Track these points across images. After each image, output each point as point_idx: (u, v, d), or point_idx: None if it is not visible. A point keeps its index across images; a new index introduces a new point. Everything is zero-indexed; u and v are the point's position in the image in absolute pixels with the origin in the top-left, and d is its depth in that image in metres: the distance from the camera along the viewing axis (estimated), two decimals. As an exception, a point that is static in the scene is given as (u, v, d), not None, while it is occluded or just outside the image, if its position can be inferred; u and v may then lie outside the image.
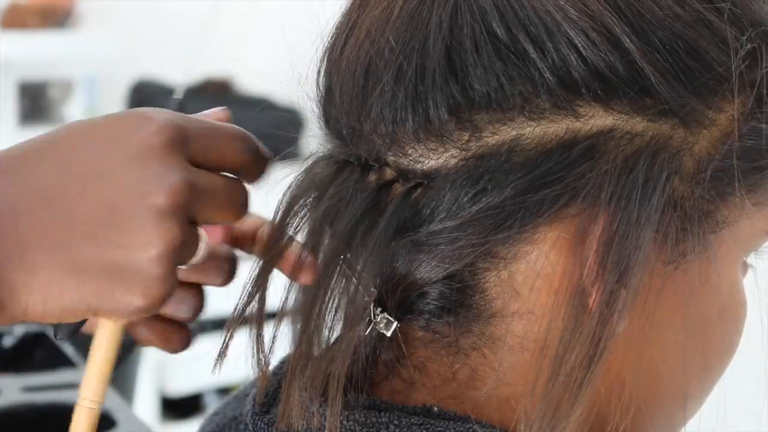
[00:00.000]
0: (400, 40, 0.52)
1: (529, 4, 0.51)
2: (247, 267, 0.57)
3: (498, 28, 0.50)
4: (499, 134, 0.51)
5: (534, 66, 0.50)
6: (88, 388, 0.55)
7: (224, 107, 0.58)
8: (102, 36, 2.85)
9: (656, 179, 0.50)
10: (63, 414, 1.03)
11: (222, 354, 0.56)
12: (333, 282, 0.53)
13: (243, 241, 0.59)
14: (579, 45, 0.50)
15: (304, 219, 0.56)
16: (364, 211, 0.53)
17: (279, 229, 0.56)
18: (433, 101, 0.51)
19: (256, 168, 0.55)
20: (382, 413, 0.53)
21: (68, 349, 1.17)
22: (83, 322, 0.56)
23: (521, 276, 0.52)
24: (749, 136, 0.53)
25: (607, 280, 0.50)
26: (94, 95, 2.88)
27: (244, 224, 0.59)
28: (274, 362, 0.58)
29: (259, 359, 0.56)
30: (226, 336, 0.56)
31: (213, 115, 0.57)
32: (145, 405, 2.41)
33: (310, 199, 0.56)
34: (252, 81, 2.75)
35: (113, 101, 2.83)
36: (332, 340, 0.55)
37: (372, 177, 0.54)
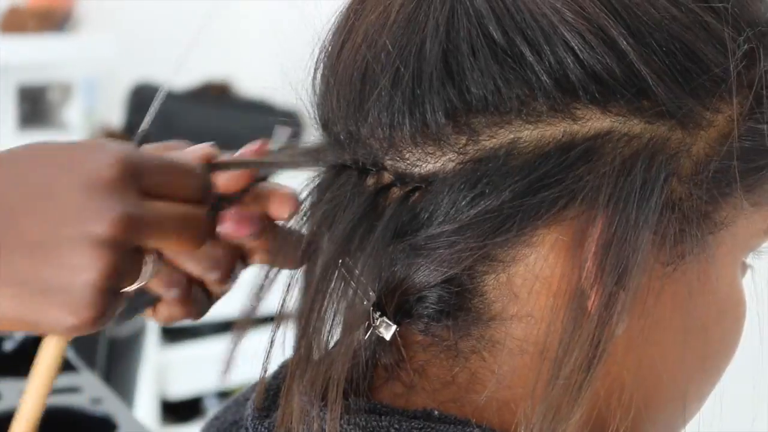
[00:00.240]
0: (397, 44, 0.52)
1: (525, 7, 0.51)
2: (253, 271, 0.58)
3: (495, 32, 0.50)
4: (496, 138, 0.51)
5: (531, 69, 0.50)
6: (26, 404, 0.58)
7: (211, 143, 0.60)
8: (101, 39, 2.85)
9: (654, 181, 0.50)
10: (63, 418, 1.03)
11: (231, 358, 0.57)
12: (332, 286, 0.54)
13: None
14: (576, 47, 0.50)
15: (303, 223, 0.57)
16: (362, 215, 0.53)
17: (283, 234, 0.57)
18: (431, 105, 0.51)
19: (207, 204, 0.57)
20: (383, 417, 0.53)
21: (68, 354, 1.17)
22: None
23: (520, 279, 0.52)
24: (747, 136, 0.53)
25: (606, 283, 0.50)
26: (94, 98, 2.88)
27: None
28: (274, 366, 0.58)
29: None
30: (235, 340, 0.57)
31: (202, 151, 0.59)
32: (145, 408, 2.41)
33: (309, 203, 0.56)
34: (251, 85, 2.75)
35: (113, 104, 2.83)
36: (332, 344, 0.55)
37: (370, 181, 0.54)
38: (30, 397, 0.58)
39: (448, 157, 0.51)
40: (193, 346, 2.49)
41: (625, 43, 0.50)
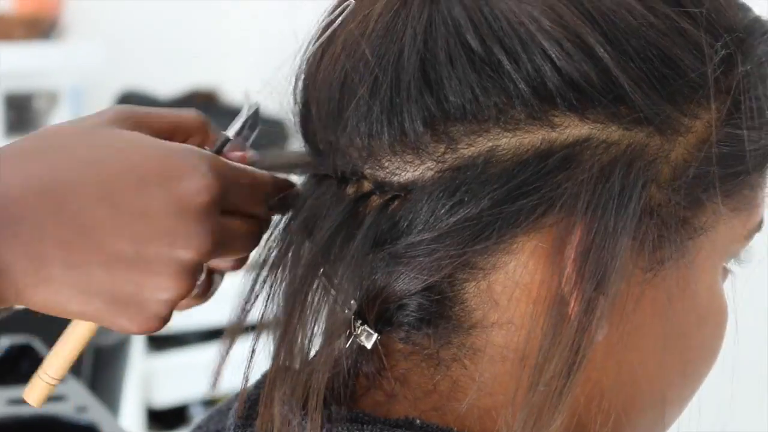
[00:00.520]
0: (376, 53, 0.52)
1: (502, 16, 0.51)
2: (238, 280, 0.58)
3: (472, 41, 0.51)
4: (475, 146, 0.51)
5: (509, 77, 0.50)
6: (51, 367, 0.58)
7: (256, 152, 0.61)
8: (88, 47, 2.84)
9: (632, 187, 0.50)
10: (48, 426, 1.03)
11: (220, 366, 0.57)
12: (311, 294, 0.54)
13: None
14: (553, 55, 0.50)
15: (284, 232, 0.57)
16: (342, 223, 0.53)
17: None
18: (409, 114, 0.51)
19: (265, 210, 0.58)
20: (365, 426, 0.53)
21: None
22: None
23: (500, 286, 0.52)
24: (725, 142, 0.53)
25: (585, 289, 0.50)
26: (80, 106, 2.87)
27: None
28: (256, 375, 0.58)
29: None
30: (226, 347, 0.57)
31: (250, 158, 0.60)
32: (131, 416, 2.40)
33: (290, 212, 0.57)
34: (238, 93, 2.75)
35: (99, 112, 2.83)
36: (312, 353, 0.55)
37: (349, 190, 0.54)
38: (53, 365, 0.57)
39: (426, 165, 0.52)
40: (178, 354, 2.48)
41: (602, 50, 0.50)
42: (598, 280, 0.50)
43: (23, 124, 2.83)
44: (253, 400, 0.58)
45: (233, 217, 0.55)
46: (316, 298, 0.54)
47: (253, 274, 0.58)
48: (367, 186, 0.54)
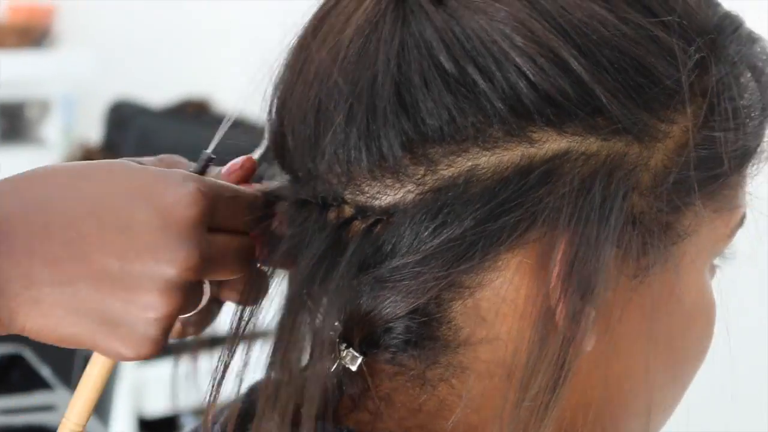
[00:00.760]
0: (349, 79, 0.52)
1: (474, 35, 0.51)
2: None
3: (446, 62, 0.51)
4: (454, 166, 0.51)
5: (484, 96, 0.50)
6: (74, 412, 0.58)
7: (250, 156, 0.60)
8: (79, 56, 2.84)
9: (613, 198, 0.50)
10: (39, 436, 1.03)
11: (222, 376, 0.57)
12: (297, 322, 0.54)
13: None
14: (528, 72, 0.50)
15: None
16: (325, 250, 0.53)
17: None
18: (386, 138, 0.51)
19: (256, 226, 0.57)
20: None
21: (44, 372, 1.17)
22: None
23: (487, 303, 0.52)
24: (703, 145, 0.53)
25: (571, 302, 0.50)
26: (72, 115, 2.87)
27: None
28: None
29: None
30: (225, 356, 0.57)
31: (242, 163, 0.60)
32: (121, 425, 2.39)
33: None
34: (230, 102, 2.75)
35: (91, 121, 2.83)
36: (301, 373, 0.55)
37: (331, 215, 0.54)
38: (76, 410, 0.58)
39: (407, 188, 0.52)
40: (169, 364, 2.47)
41: (576, 63, 0.50)
42: (584, 292, 0.50)
43: (15, 133, 2.84)
44: (239, 416, 0.58)
45: (222, 235, 0.55)
46: (303, 325, 0.54)
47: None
48: (348, 211, 0.53)
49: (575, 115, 0.50)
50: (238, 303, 0.58)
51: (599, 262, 0.50)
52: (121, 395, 2.22)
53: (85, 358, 0.62)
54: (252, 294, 0.57)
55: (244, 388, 0.58)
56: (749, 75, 0.55)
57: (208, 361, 0.59)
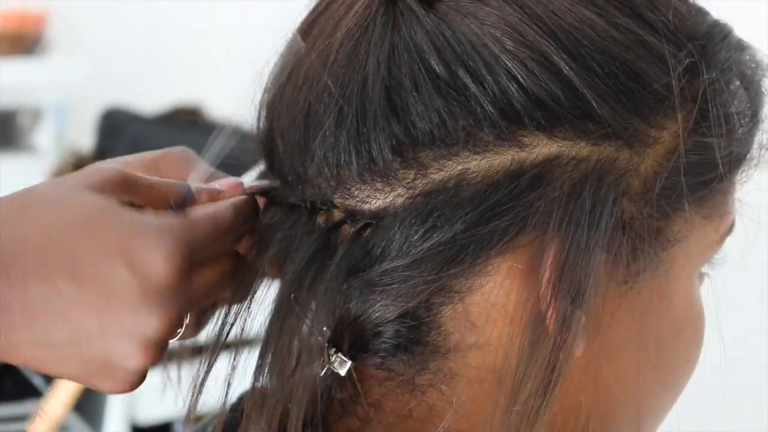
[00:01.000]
0: (339, 83, 0.52)
1: (465, 39, 0.51)
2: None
3: (436, 66, 0.51)
4: (444, 170, 0.51)
5: (475, 100, 0.50)
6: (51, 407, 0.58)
7: (238, 179, 0.59)
8: (72, 63, 2.84)
9: (603, 203, 0.50)
10: (31, 443, 1.03)
11: (202, 383, 0.56)
12: (285, 326, 0.53)
13: None
14: (518, 76, 0.50)
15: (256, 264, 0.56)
16: (314, 254, 0.53)
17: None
18: (376, 142, 0.51)
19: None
20: None
21: (36, 380, 1.16)
22: None
23: (477, 308, 0.52)
24: (694, 151, 0.53)
25: (561, 306, 0.50)
26: (64, 123, 2.87)
27: None
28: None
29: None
30: (206, 365, 0.57)
31: (228, 186, 0.58)
32: (114, 432, 2.39)
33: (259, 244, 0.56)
34: (222, 109, 2.75)
35: (83, 129, 2.83)
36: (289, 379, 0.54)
37: (320, 219, 0.54)
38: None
39: (397, 192, 0.52)
40: (162, 371, 2.47)
41: (567, 68, 0.50)
42: (574, 297, 0.50)
43: (7, 141, 2.83)
44: (228, 425, 0.58)
45: (205, 269, 0.54)
46: (291, 328, 0.53)
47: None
48: (337, 215, 0.53)
49: (566, 120, 0.50)
50: (230, 302, 0.57)
51: (589, 267, 0.50)
52: (114, 402, 2.21)
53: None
54: (240, 292, 0.56)
55: (233, 396, 0.58)
56: (738, 82, 0.55)
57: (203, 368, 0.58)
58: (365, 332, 0.53)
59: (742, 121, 0.55)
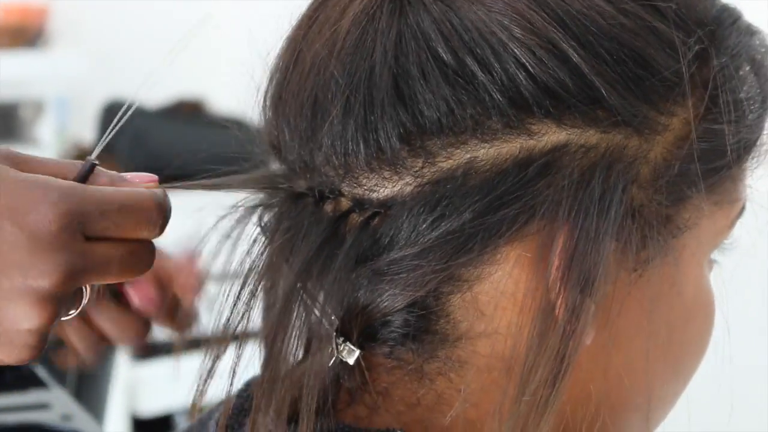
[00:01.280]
0: (346, 71, 0.52)
1: (473, 26, 0.50)
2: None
3: (444, 53, 0.50)
4: (453, 158, 0.51)
5: (483, 88, 0.50)
6: None
7: (153, 175, 0.58)
8: (73, 56, 2.84)
9: (613, 191, 0.50)
10: (34, 434, 1.03)
11: (209, 375, 0.56)
12: (294, 316, 0.53)
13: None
14: (527, 63, 0.50)
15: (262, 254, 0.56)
16: (322, 243, 0.53)
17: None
18: (384, 130, 0.51)
19: (154, 233, 0.55)
20: None
21: (39, 371, 1.16)
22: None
23: (485, 296, 0.52)
24: (703, 138, 0.53)
25: (571, 295, 0.50)
26: (66, 116, 2.87)
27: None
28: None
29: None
30: (213, 357, 0.56)
31: (140, 179, 0.57)
32: (116, 425, 2.39)
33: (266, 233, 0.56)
34: (225, 102, 2.75)
35: (85, 122, 2.83)
36: (297, 367, 0.54)
37: (327, 208, 0.54)
38: None
39: (405, 180, 0.51)
40: (164, 363, 2.48)
41: (575, 55, 0.50)
42: (583, 286, 0.50)
43: (8, 134, 2.83)
44: (235, 411, 0.58)
45: (106, 242, 0.53)
46: (299, 319, 0.53)
47: (237, 290, 0.57)
48: (345, 204, 0.53)
49: (574, 107, 0.50)
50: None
51: (599, 255, 0.50)
52: (115, 395, 2.21)
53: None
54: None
55: (239, 384, 0.57)
56: (748, 68, 0.55)
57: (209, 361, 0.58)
58: (374, 321, 0.53)
59: (752, 107, 0.55)
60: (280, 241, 0.54)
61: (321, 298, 0.53)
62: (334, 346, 0.54)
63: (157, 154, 2.33)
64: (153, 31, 2.92)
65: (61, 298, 0.51)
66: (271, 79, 0.56)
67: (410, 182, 0.51)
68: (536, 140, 0.51)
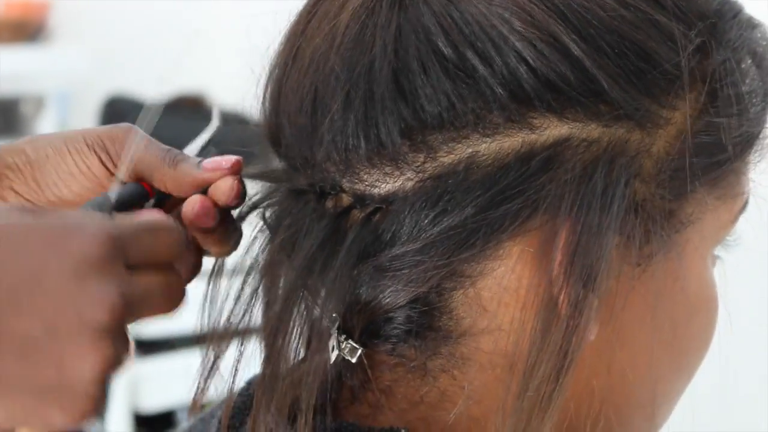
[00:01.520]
0: (346, 66, 0.51)
1: (473, 20, 0.50)
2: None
3: (444, 47, 0.50)
4: (454, 153, 0.50)
5: (484, 82, 0.50)
6: None
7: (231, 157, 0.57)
8: (75, 51, 2.83)
9: (615, 185, 0.50)
10: None
11: (210, 373, 0.56)
12: (295, 314, 0.53)
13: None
14: (528, 57, 0.49)
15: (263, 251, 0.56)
16: (324, 240, 0.52)
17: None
18: (385, 126, 0.51)
19: (191, 257, 0.55)
20: None
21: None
22: None
23: (488, 292, 0.52)
24: (706, 131, 0.52)
25: (574, 290, 0.50)
26: (67, 111, 2.86)
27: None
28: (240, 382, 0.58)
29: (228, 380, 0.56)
30: (214, 354, 0.56)
31: (231, 165, 0.56)
32: (117, 421, 2.39)
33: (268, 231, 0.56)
34: (225, 97, 2.75)
35: (86, 117, 2.82)
36: (298, 365, 0.54)
37: (329, 204, 0.53)
38: None
39: (406, 176, 0.51)
40: (166, 359, 2.48)
41: (577, 48, 0.50)
42: (586, 281, 0.49)
43: (9, 129, 2.83)
44: (237, 409, 0.57)
45: (143, 273, 0.49)
46: (300, 315, 0.53)
47: (238, 286, 0.56)
48: (346, 200, 0.53)
49: (576, 101, 0.50)
50: (218, 255, 0.56)
51: (602, 250, 0.50)
52: (117, 391, 2.21)
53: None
54: (228, 246, 0.56)
55: (241, 382, 0.57)
56: (750, 61, 0.55)
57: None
58: (376, 318, 0.53)
59: (755, 100, 0.55)
60: (281, 238, 0.54)
61: (322, 295, 0.52)
62: (336, 343, 0.53)
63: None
64: (154, 26, 2.92)
65: (116, 335, 0.46)
66: (270, 75, 0.56)
67: (412, 177, 0.51)
68: (538, 134, 0.50)
